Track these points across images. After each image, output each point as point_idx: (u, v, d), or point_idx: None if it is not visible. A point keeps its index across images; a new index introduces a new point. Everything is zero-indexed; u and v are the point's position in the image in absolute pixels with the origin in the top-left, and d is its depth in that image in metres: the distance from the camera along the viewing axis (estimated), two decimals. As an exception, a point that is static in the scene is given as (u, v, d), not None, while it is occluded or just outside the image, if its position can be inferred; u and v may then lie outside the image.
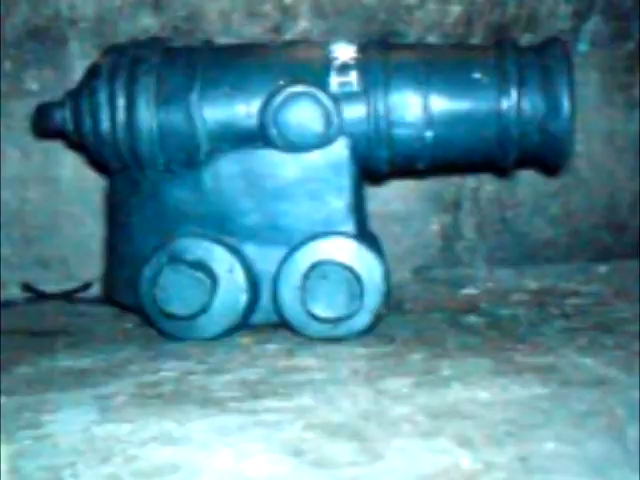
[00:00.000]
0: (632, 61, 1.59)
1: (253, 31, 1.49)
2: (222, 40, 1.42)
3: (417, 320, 1.28)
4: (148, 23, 1.48)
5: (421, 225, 1.60)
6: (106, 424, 0.88)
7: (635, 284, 1.43)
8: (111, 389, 0.99)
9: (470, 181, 1.60)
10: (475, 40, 1.53)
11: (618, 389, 0.94)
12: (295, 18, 1.49)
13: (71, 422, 0.88)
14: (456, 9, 1.52)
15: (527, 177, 1.59)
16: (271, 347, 1.16)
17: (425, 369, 1.03)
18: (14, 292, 1.48)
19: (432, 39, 1.50)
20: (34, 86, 1.49)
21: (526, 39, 1.50)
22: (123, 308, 1.31)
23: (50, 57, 1.49)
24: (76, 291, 1.48)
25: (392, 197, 1.56)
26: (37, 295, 1.47)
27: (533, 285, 1.49)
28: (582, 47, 1.57)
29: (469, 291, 1.47)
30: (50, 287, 1.48)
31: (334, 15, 1.49)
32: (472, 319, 1.28)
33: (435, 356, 1.08)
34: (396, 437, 0.82)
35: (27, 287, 1.48)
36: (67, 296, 1.47)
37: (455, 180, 1.59)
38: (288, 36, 1.48)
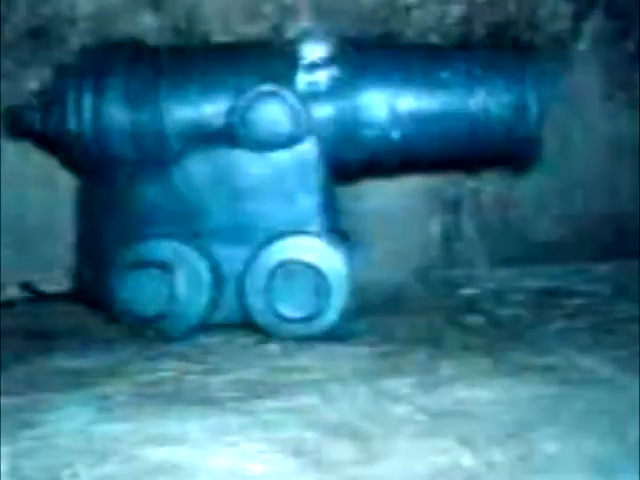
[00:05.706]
0: (632, 61, 1.59)
1: (252, 31, 1.48)
2: (222, 40, 1.42)
3: (417, 320, 1.28)
4: (148, 23, 1.48)
5: (421, 225, 1.60)
6: (105, 424, 0.88)
7: (635, 284, 1.43)
8: (111, 389, 0.99)
9: (470, 181, 1.60)
10: (475, 40, 1.52)
11: (618, 389, 0.94)
12: (294, 18, 1.49)
13: (70, 422, 0.88)
14: (456, 9, 1.52)
15: (528, 177, 1.59)
16: (271, 347, 1.16)
17: (425, 369, 1.03)
18: (14, 292, 1.48)
19: (432, 39, 1.50)
20: (34, 86, 1.49)
21: (526, 39, 1.50)
22: (90, 306, 1.31)
23: (50, 57, 1.49)
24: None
25: (393, 197, 1.56)
26: (37, 295, 1.47)
27: (533, 285, 1.49)
28: (582, 47, 1.57)
29: (469, 291, 1.47)
30: (50, 287, 1.48)
31: (334, 15, 1.49)
32: (472, 319, 1.27)
33: (435, 356, 1.08)
34: (396, 437, 0.82)
35: (27, 287, 1.48)
36: (67, 296, 1.47)
37: (455, 180, 1.59)
38: (288, 36, 1.48)
